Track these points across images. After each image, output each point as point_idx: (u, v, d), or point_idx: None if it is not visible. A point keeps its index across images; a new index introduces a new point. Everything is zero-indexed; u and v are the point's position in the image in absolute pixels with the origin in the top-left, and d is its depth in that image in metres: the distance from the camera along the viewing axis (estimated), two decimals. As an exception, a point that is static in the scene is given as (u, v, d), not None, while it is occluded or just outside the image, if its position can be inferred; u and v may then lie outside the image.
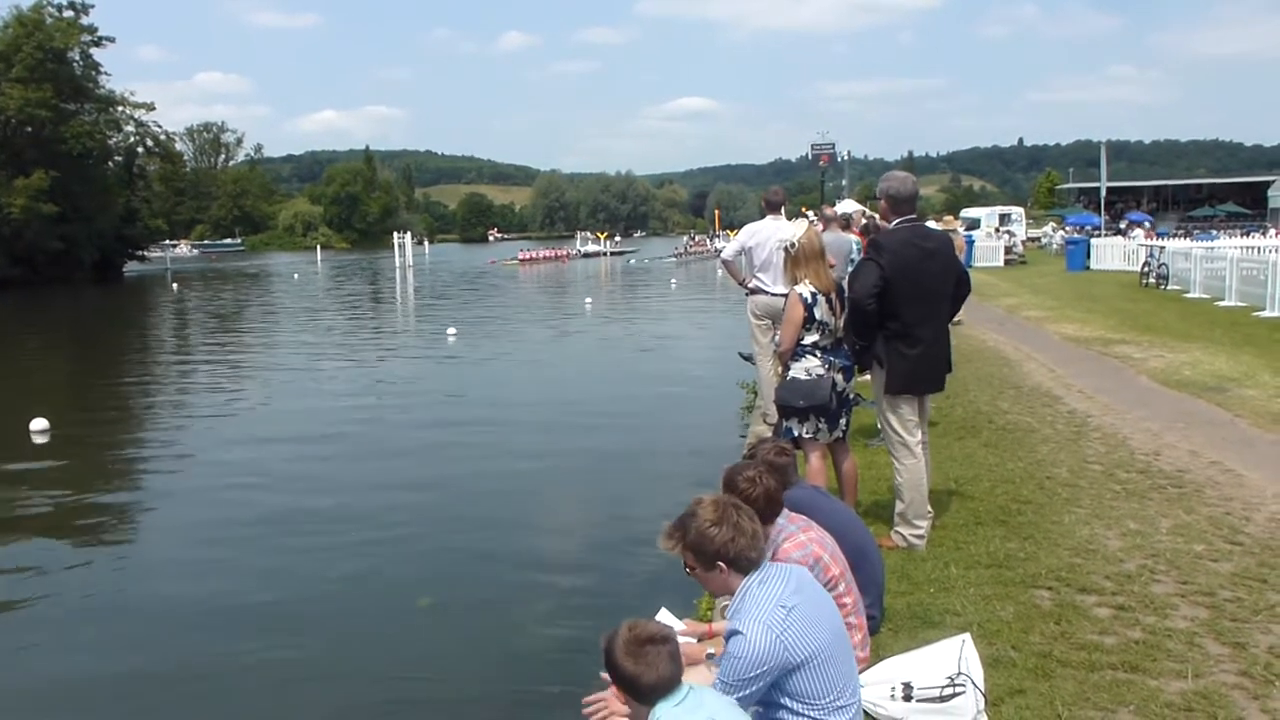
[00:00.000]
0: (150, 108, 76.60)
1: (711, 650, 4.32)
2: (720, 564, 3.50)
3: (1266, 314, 19.40)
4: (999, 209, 61.95)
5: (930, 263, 6.26)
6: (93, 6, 69.99)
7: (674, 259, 76.79)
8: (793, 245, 6.51)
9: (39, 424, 14.42)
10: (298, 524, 10.05)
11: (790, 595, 3.41)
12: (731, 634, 3.38)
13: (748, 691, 3.31)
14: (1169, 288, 26.73)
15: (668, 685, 3.01)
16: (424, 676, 6.64)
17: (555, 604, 7.73)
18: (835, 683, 3.39)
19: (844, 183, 75.44)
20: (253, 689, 6.57)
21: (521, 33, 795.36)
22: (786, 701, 3.38)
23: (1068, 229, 56.72)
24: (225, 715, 6.34)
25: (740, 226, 11.09)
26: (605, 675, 3.16)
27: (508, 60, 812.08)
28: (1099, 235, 45.36)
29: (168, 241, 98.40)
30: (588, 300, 39.05)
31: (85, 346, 30.99)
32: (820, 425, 6.51)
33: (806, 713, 3.37)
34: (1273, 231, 46.15)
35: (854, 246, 10.67)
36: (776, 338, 7.97)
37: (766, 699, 3.39)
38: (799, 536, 4.39)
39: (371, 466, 12.40)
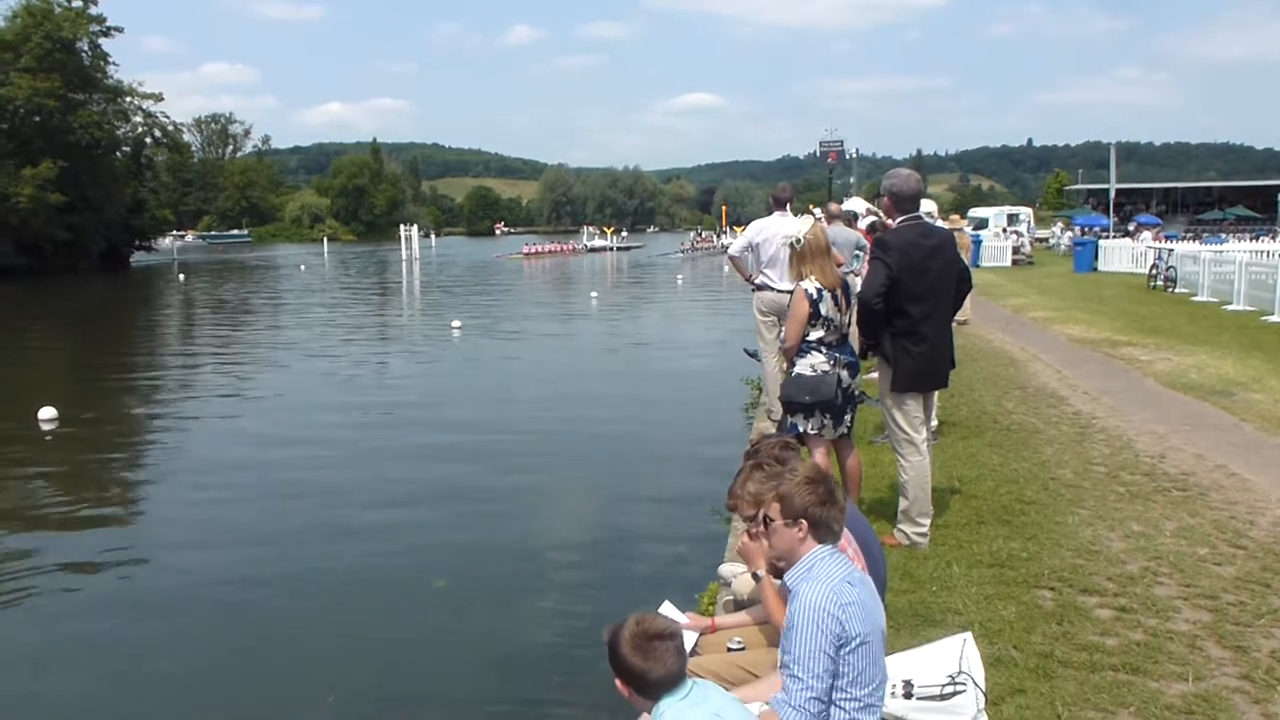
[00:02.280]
0: (158, 98, 76.70)
1: (738, 640, 4.32)
2: (804, 521, 3.48)
3: (1275, 318, 19.34)
4: (1007, 209, 61.84)
5: (933, 260, 6.27)
6: (101, -4, 70.09)
7: (680, 255, 76.64)
8: (798, 241, 6.51)
9: (47, 413, 14.47)
10: (304, 512, 10.08)
11: (856, 577, 3.42)
12: (795, 595, 3.36)
13: (826, 654, 3.23)
14: (1177, 290, 26.66)
15: (673, 681, 3.02)
16: (427, 664, 6.68)
17: (559, 596, 7.75)
18: (874, 677, 3.37)
19: (852, 180, 75.52)
20: (254, 669, 6.67)
21: (528, 26, 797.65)
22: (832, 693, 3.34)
23: (1076, 230, 56.60)
24: (236, 687, 6.43)
25: (747, 223, 11.10)
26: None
27: (514, 54, 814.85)
28: (1107, 237, 45.26)
29: (175, 232, 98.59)
30: (594, 295, 39.06)
31: (93, 337, 31.02)
32: (825, 421, 6.50)
33: (844, 704, 3.32)
34: (1282, 235, 45.92)
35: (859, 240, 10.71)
36: (782, 334, 7.97)
37: None
38: None
39: (378, 456, 12.39)
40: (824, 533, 3.49)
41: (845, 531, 4.46)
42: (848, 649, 3.29)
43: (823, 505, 3.47)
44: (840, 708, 3.34)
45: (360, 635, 7.21)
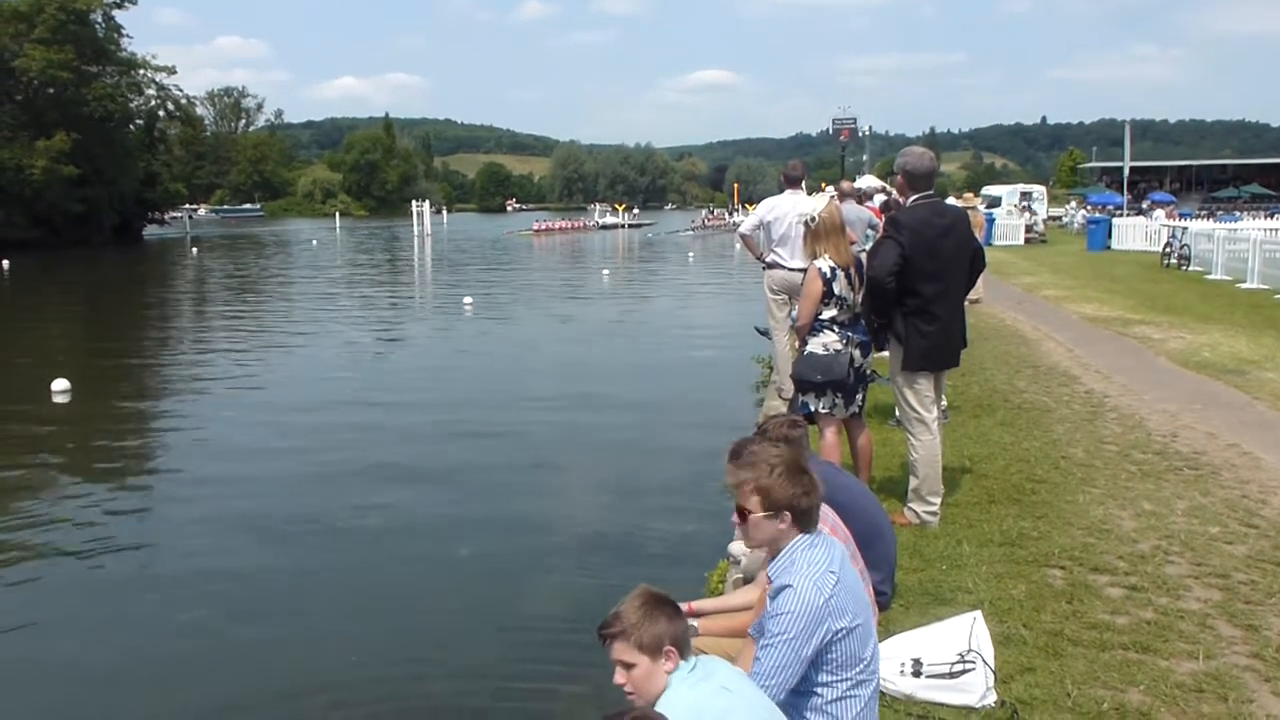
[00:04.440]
0: (171, 71, 76.74)
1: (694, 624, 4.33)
2: (787, 514, 3.42)
3: (1288, 297, 19.24)
4: (1020, 187, 61.51)
5: (947, 239, 6.23)
6: (114, -31, 69.86)
7: (690, 232, 76.45)
8: (813, 219, 6.48)
9: (60, 384, 14.55)
10: (322, 487, 10.16)
11: (837, 564, 3.39)
12: (781, 589, 3.33)
13: (798, 654, 3.24)
14: (1190, 269, 26.54)
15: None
16: (445, 634, 6.78)
17: (570, 575, 7.76)
18: (863, 656, 3.38)
19: (865, 158, 75.14)
20: (279, 630, 6.75)
21: (540, 1, 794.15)
22: (817, 675, 3.35)
23: (1089, 208, 56.29)
24: (261, 650, 6.57)
25: (759, 201, 11.06)
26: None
27: (526, 29, 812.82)
28: (1121, 215, 44.98)
29: (186, 206, 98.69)
30: (605, 272, 39.06)
31: (106, 310, 31.15)
32: (836, 400, 6.50)
33: (835, 684, 3.36)
34: (1297, 214, 45.57)
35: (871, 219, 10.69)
36: (793, 313, 7.96)
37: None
38: None
39: (393, 434, 12.40)
40: (807, 522, 3.45)
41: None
42: (836, 639, 3.30)
43: (807, 496, 3.42)
44: (833, 688, 3.36)
45: (384, 601, 7.33)
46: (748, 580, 5.23)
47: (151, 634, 6.85)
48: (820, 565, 3.35)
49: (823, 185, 21.94)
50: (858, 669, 3.37)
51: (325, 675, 6.24)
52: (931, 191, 6.43)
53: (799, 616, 3.25)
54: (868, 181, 14.31)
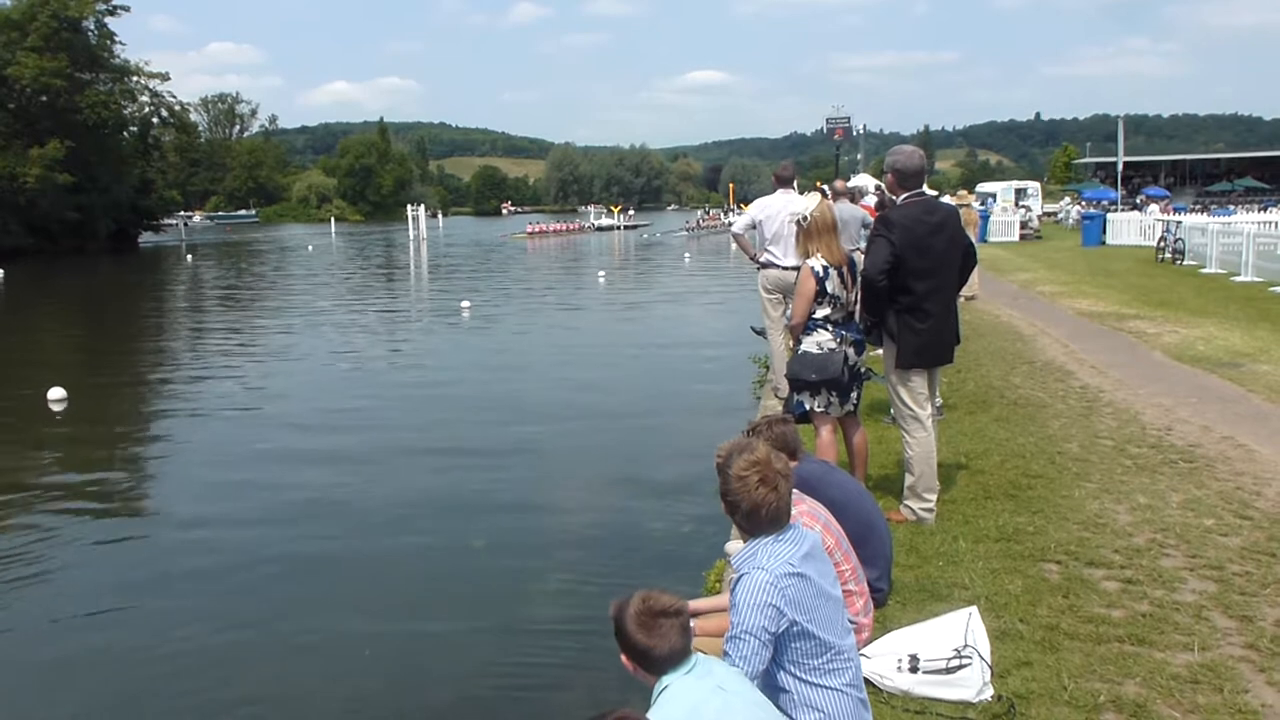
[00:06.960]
0: (165, 78, 76.79)
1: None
2: (737, 519, 3.61)
3: (1283, 290, 19.26)
4: (1015, 184, 61.61)
5: (938, 236, 6.26)
6: (107, -25, 69.91)
7: (685, 233, 76.52)
8: (805, 218, 6.50)
9: (56, 393, 14.54)
10: (315, 495, 10.11)
11: (800, 562, 3.45)
12: (738, 579, 3.45)
13: (759, 639, 3.33)
14: (1185, 263, 26.57)
15: (678, 657, 3.05)
16: (435, 642, 6.76)
17: (569, 574, 7.77)
18: (829, 646, 3.44)
19: (859, 156, 74.95)
20: (295, 625, 6.74)
21: (533, 4, 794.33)
22: (783, 664, 3.43)
23: (1084, 203, 56.36)
24: (254, 656, 6.54)
25: (754, 200, 11.09)
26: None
27: (519, 32, 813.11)
28: (1115, 210, 45.00)
29: (182, 213, 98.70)
30: (601, 274, 39.06)
31: (102, 318, 31.11)
32: (831, 399, 6.51)
33: (801, 675, 3.43)
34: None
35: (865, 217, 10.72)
36: (788, 312, 7.97)
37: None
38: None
39: (388, 442, 12.38)
40: (763, 526, 3.53)
41: (806, 501, 4.47)
42: (792, 631, 3.38)
43: (756, 506, 3.50)
44: (799, 679, 3.44)
45: (387, 602, 7.38)
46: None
47: (153, 634, 6.84)
48: (780, 557, 3.44)
49: (816, 184, 21.98)
50: (825, 658, 3.44)
51: (329, 671, 6.30)
52: (922, 189, 6.45)
53: (753, 607, 3.35)
54: (862, 180, 14.34)
